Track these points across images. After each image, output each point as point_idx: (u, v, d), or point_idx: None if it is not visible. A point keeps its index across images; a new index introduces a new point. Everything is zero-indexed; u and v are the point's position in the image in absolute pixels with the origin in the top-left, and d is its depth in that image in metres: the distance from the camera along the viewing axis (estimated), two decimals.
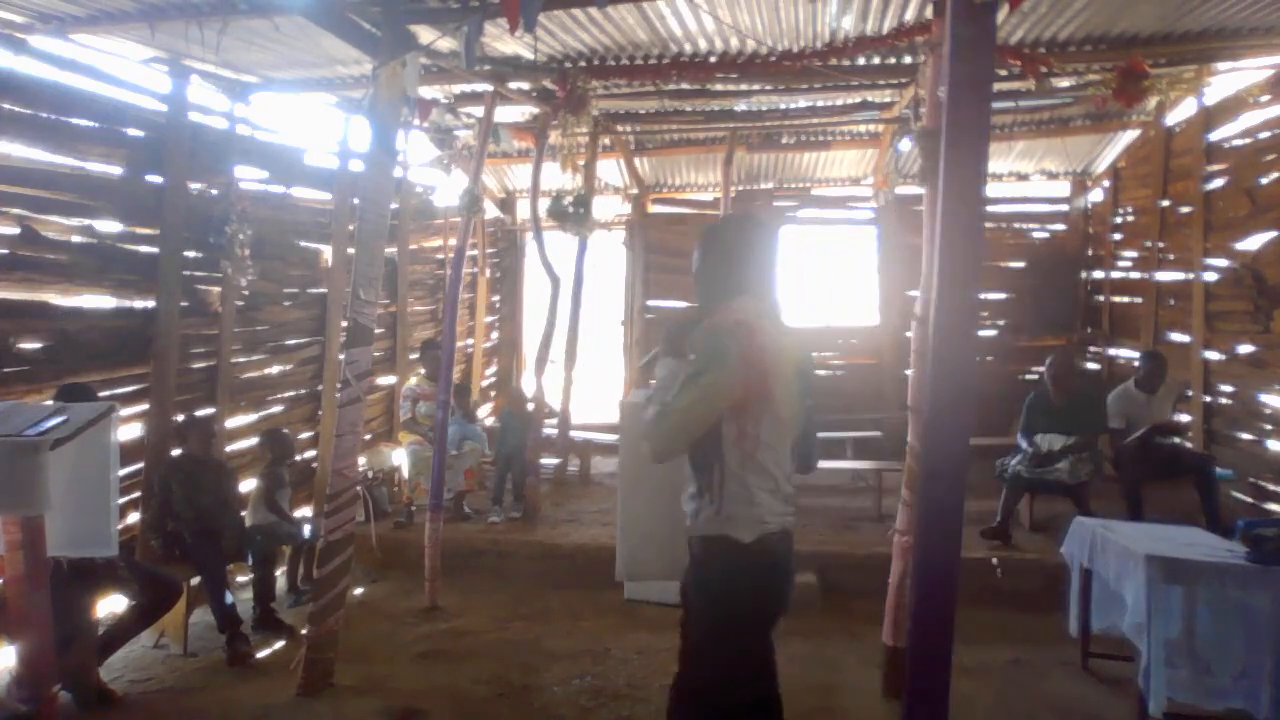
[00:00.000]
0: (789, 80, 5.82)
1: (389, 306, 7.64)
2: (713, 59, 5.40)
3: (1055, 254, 8.87)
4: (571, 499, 7.10)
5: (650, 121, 7.30)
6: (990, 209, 8.14)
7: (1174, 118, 6.96)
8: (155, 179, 5.00)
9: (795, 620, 4.73)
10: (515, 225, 10.23)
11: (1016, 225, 9.09)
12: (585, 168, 7.32)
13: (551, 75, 5.49)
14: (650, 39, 5.08)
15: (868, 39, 4.95)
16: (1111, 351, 8.22)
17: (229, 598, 4.52)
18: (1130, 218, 7.95)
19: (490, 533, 6.10)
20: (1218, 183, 6.27)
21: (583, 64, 5.48)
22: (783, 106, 6.88)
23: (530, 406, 6.77)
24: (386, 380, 7.75)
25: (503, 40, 5.03)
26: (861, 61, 5.45)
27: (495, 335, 10.22)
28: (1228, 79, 5.98)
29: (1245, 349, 5.91)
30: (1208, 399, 6.30)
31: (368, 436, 7.12)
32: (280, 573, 5.29)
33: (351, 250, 5.61)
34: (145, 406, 4.99)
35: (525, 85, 5.90)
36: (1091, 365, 8.54)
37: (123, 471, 3.99)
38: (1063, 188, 8.93)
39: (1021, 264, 8.90)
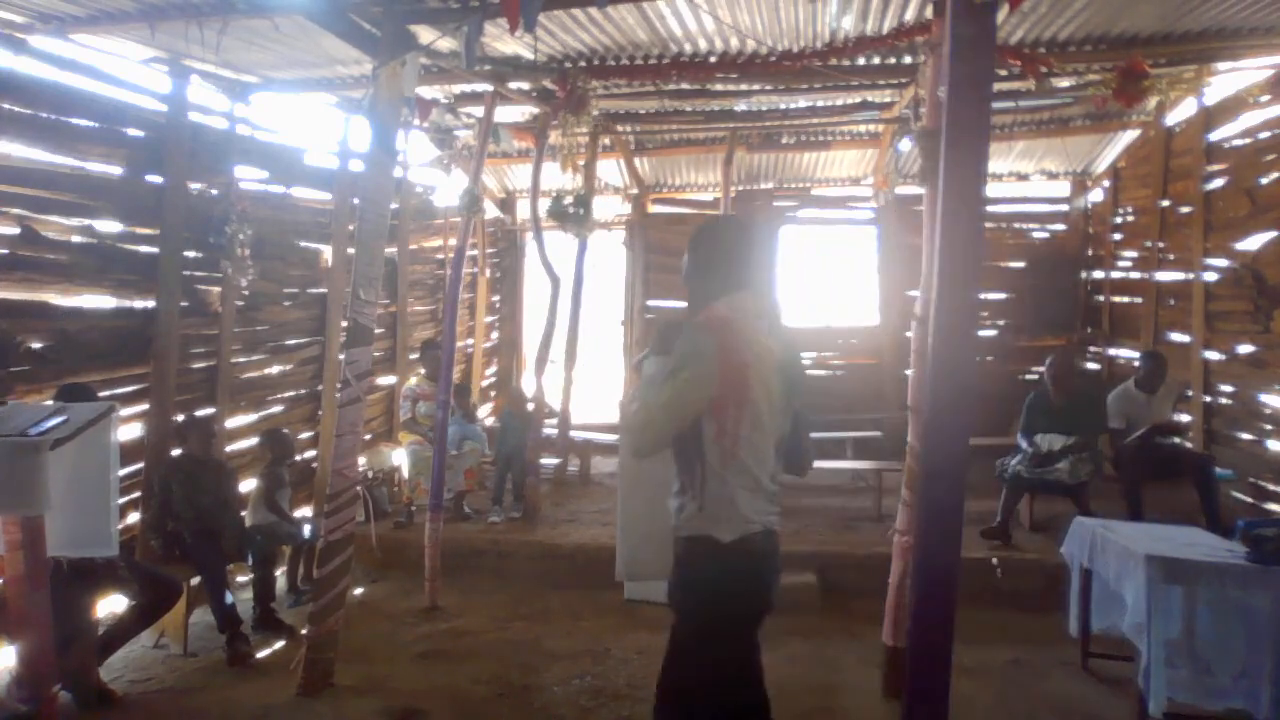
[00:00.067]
0: (789, 80, 5.82)
1: (389, 306, 7.64)
2: (713, 59, 5.40)
3: (1055, 254, 8.87)
4: (571, 499, 7.10)
5: (650, 121, 7.30)
6: (990, 209, 8.14)
7: (1174, 118, 6.95)
8: (155, 179, 5.00)
9: (795, 620, 4.77)
10: (515, 225, 10.23)
11: (1016, 225, 9.09)
12: (585, 168, 7.32)
13: (551, 75, 5.49)
14: (650, 39, 5.08)
15: (868, 39, 4.95)
16: (1111, 351, 8.22)
17: (229, 598, 4.52)
18: (1130, 218, 7.95)
19: (490, 533, 6.10)
20: (1218, 183, 6.27)
21: (583, 64, 5.47)
22: (783, 106, 6.88)
23: (530, 406, 6.77)
24: (386, 380, 7.75)
25: (503, 40, 5.03)
26: (861, 61, 5.45)
27: (495, 335, 10.22)
28: (1228, 79, 5.98)
29: (1245, 349, 5.91)
30: (1208, 399, 6.30)
31: (368, 436, 7.12)
32: (280, 573, 5.29)
33: (351, 250, 5.61)
34: (145, 406, 4.99)
35: (525, 85, 5.91)
36: (1091, 365, 8.54)
37: (123, 471, 3.99)
38: (1063, 188, 8.93)
39: (1021, 264, 8.90)
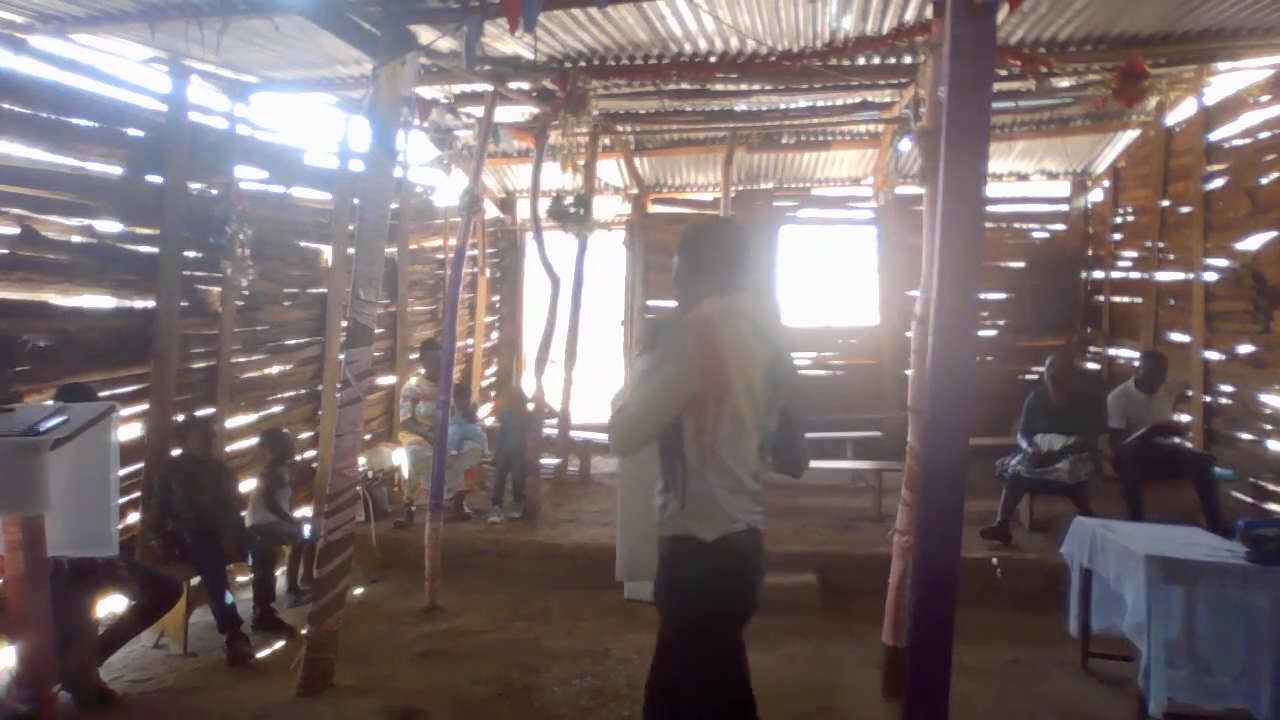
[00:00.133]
0: (789, 80, 5.82)
1: (389, 306, 7.64)
2: (713, 59, 5.40)
3: (1055, 254, 8.88)
4: (571, 499, 7.10)
5: (650, 121, 7.30)
6: (990, 209, 8.14)
7: (1174, 118, 6.95)
8: (155, 179, 5.00)
9: (795, 620, 4.78)
10: (515, 225, 10.23)
11: (1016, 225, 9.09)
12: (585, 168, 7.32)
13: (551, 75, 5.49)
14: (650, 39, 5.08)
15: (868, 39, 4.95)
16: (1111, 351, 8.22)
17: (229, 598, 4.52)
18: (1130, 218, 7.95)
19: (490, 533, 6.10)
20: (1218, 183, 6.27)
21: (583, 64, 5.47)
22: (783, 106, 6.88)
23: (530, 406, 6.77)
24: (386, 380, 7.75)
25: (503, 40, 5.03)
26: (861, 61, 5.45)
27: (495, 335, 10.22)
28: (1228, 79, 5.98)
29: (1245, 349, 5.91)
30: (1208, 399, 6.30)
31: (368, 436, 7.12)
32: (280, 573, 5.29)
33: (351, 250, 5.61)
34: (145, 406, 4.99)
35: (525, 85, 5.90)
36: (1091, 365, 8.54)
37: (123, 471, 3.99)
38: (1063, 188, 8.93)
39: (1021, 264, 8.89)
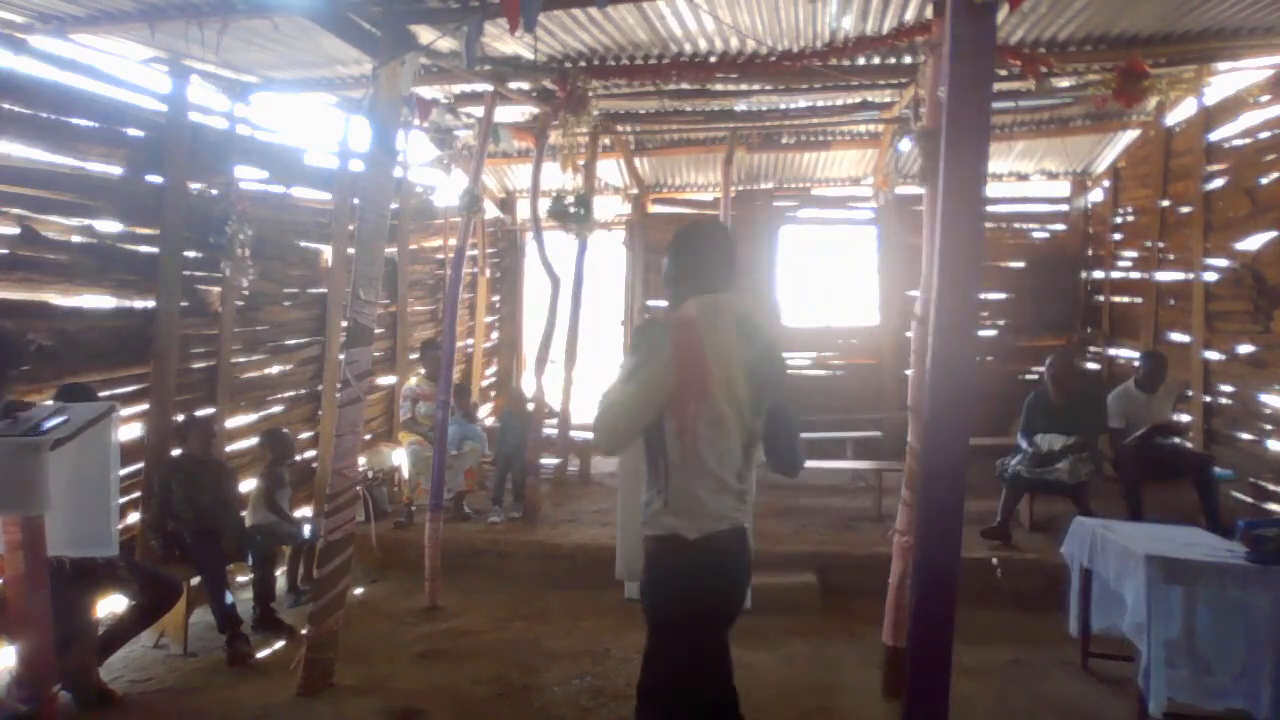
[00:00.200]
0: (789, 80, 5.82)
1: (389, 306, 7.64)
2: (713, 59, 5.40)
3: (1055, 254, 8.88)
4: (571, 499, 7.10)
5: (650, 121, 7.30)
6: (990, 209, 8.14)
7: (1174, 118, 6.95)
8: (155, 179, 5.00)
9: (795, 620, 4.78)
10: (515, 225, 10.23)
11: (1016, 225, 9.10)
12: (585, 168, 7.32)
13: (551, 75, 5.49)
14: (650, 39, 5.08)
15: (868, 39, 4.95)
16: (1111, 351, 8.22)
17: (229, 598, 4.52)
18: (1130, 218, 7.95)
19: (490, 533, 6.10)
20: (1218, 183, 6.27)
21: (583, 64, 5.47)
22: (783, 106, 6.88)
23: (530, 406, 6.77)
24: (386, 380, 7.75)
25: (503, 40, 5.03)
26: (861, 61, 5.45)
27: (495, 335, 10.22)
28: (1228, 79, 5.98)
29: (1245, 349, 5.91)
30: (1208, 399, 6.30)
31: (368, 436, 7.12)
32: (280, 573, 5.29)
33: (351, 250, 5.61)
34: (145, 406, 4.99)
35: (525, 85, 5.90)
36: (1091, 365, 8.54)
37: (123, 471, 3.98)
38: (1063, 188, 8.94)
39: (1021, 264, 8.90)
